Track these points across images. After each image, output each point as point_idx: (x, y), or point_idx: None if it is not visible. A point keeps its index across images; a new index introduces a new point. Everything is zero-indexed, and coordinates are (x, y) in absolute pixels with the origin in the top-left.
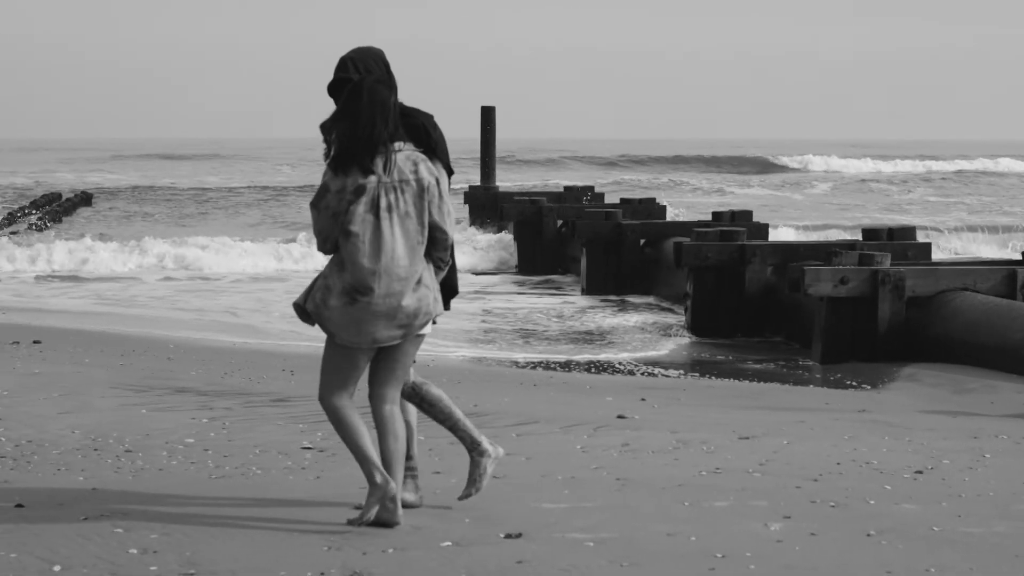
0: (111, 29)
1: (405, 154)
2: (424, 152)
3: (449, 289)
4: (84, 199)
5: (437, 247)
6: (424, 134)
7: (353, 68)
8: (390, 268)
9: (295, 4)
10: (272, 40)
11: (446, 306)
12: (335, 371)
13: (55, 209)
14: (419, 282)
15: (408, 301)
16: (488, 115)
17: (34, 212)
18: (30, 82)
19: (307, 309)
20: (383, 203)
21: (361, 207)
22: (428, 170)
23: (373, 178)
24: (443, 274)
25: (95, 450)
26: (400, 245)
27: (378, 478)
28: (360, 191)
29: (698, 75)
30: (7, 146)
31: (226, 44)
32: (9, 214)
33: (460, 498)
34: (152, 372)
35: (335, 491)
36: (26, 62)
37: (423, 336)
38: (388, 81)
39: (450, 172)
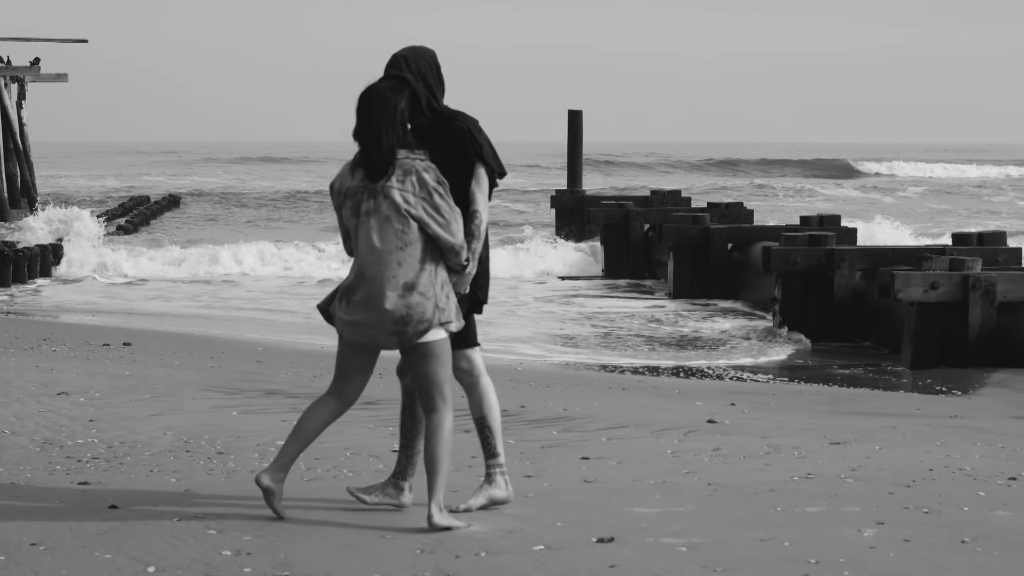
0: (227, 32)
1: (403, 161)
2: (463, 154)
3: (471, 299)
4: (172, 202)
5: (445, 255)
6: (469, 137)
7: (405, 66)
8: (365, 271)
9: (390, 6)
10: (369, 42)
11: (471, 314)
12: (337, 365)
13: (144, 212)
14: (409, 288)
15: (392, 306)
16: (575, 119)
17: (126, 214)
18: (152, 87)
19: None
20: (363, 207)
21: (347, 210)
22: (418, 179)
23: (359, 182)
24: (464, 281)
25: (187, 452)
26: (375, 249)
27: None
28: (349, 194)
29: (758, 77)
30: (106, 148)
31: (318, 47)
32: (99, 217)
33: (351, 490)
34: (242, 374)
35: (422, 495)
36: (147, 65)
37: (430, 345)
38: (399, 88)
39: (500, 174)
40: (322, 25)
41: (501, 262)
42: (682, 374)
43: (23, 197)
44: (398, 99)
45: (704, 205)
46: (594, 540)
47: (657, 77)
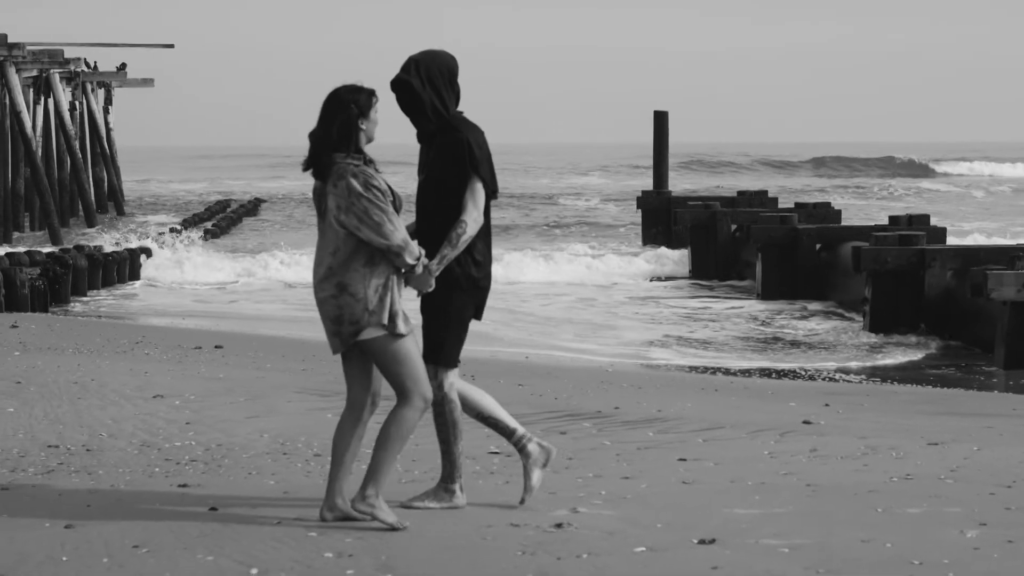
0: (313, 36)
1: (339, 166)
2: (461, 165)
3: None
4: (255, 206)
5: (389, 257)
6: (467, 150)
7: (414, 70)
8: (314, 272)
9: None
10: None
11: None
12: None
13: (230, 216)
14: (342, 289)
15: (328, 308)
16: (661, 120)
17: (212, 218)
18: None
19: None
20: (320, 210)
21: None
22: (346, 185)
23: (320, 184)
24: (421, 281)
25: (284, 454)
26: (318, 251)
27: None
28: (314, 196)
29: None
30: (191, 153)
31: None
32: (184, 221)
33: (404, 503)
34: (335, 377)
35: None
36: (233, 69)
37: (370, 343)
38: (358, 92)
39: (492, 191)
40: (410, 29)
41: (577, 265)
42: (774, 375)
43: (110, 201)
44: (353, 102)
45: (792, 205)
46: (695, 542)
47: (718, 77)
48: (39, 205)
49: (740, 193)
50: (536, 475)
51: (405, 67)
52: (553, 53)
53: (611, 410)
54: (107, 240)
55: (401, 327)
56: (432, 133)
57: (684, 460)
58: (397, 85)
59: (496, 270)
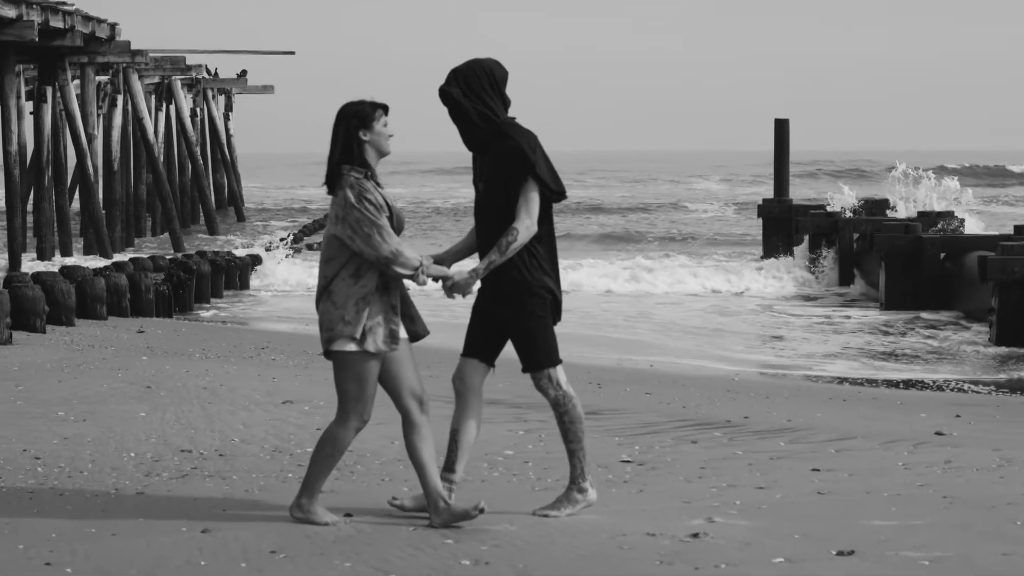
0: (436, 47)
1: (343, 177)
2: (515, 171)
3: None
4: None
5: (382, 268)
6: (521, 155)
7: (454, 80)
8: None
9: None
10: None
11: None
12: None
13: (306, 228)
14: (328, 296)
15: (318, 311)
16: (781, 127)
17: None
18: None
19: None
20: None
21: None
22: (343, 195)
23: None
24: (460, 286)
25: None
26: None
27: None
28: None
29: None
30: (310, 159)
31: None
32: (303, 227)
33: (535, 512)
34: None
35: (658, 504)
36: (353, 76)
37: (336, 355)
38: (354, 108)
39: (556, 194)
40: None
41: (700, 274)
42: (900, 385)
43: (230, 207)
44: (353, 115)
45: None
46: (834, 553)
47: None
48: (161, 210)
49: (863, 201)
50: (422, 504)
51: (447, 78)
52: (666, 59)
53: (740, 419)
54: (227, 245)
55: (370, 344)
56: (485, 141)
57: (818, 470)
58: (441, 96)
59: (616, 278)
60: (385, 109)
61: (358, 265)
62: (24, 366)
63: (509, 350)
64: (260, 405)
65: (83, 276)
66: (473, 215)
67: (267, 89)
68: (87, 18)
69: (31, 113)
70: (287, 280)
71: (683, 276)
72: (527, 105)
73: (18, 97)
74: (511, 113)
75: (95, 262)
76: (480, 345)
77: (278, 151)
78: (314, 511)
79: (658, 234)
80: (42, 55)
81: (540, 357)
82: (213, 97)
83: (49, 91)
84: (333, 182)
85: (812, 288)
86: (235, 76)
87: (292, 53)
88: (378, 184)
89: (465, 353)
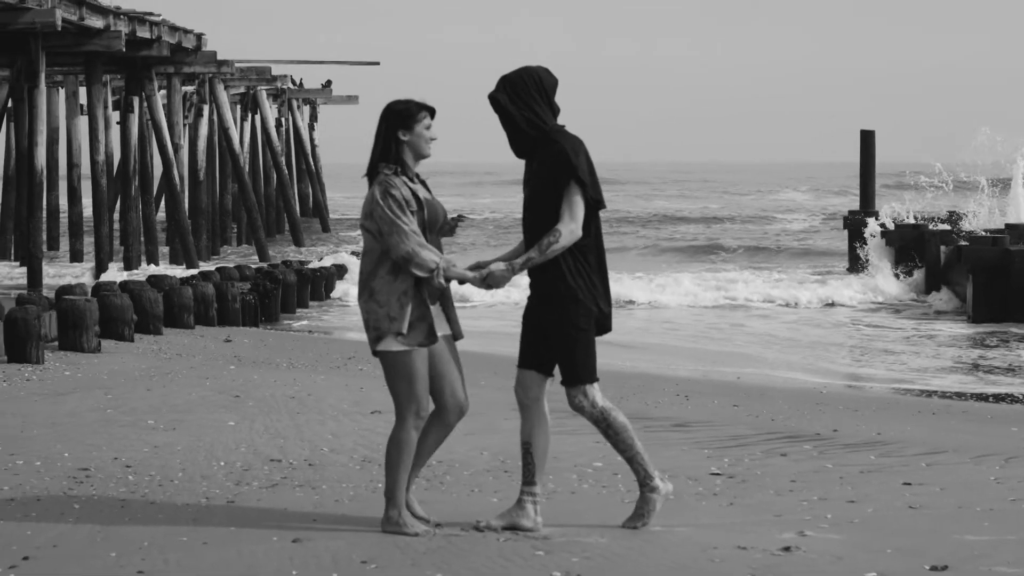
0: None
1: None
2: (559, 174)
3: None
4: (455, 223)
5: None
6: (564, 159)
7: (502, 87)
8: None
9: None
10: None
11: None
12: None
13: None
14: (371, 294)
15: (361, 310)
16: (867, 139)
17: None
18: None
19: None
20: None
21: None
22: (370, 192)
23: None
24: (493, 280)
25: (505, 472)
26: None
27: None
28: None
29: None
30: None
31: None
32: None
33: (624, 525)
34: (548, 394)
35: (749, 517)
36: (442, 89)
37: (385, 356)
38: (396, 107)
39: (595, 201)
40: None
41: (781, 287)
42: (991, 399)
43: (315, 217)
44: (394, 114)
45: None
46: (927, 568)
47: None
48: (246, 220)
49: (951, 213)
50: (509, 521)
51: (496, 85)
52: (750, 71)
53: (830, 432)
54: (312, 255)
55: (413, 339)
56: (532, 148)
57: (909, 484)
58: (490, 103)
59: (703, 290)
60: (431, 112)
61: (395, 261)
62: (113, 374)
63: None
64: (348, 415)
65: (170, 285)
66: (521, 223)
67: (351, 99)
68: (174, 28)
69: (118, 123)
70: None
71: (768, 287)
72: (610, 112)
73: (105, 107)
74: (561, 121)
75: (181, 271)
76: (534, 356)
77: (362, 161)
78: (403, 522)
79: (743, 245)
80: (129, 65)
81: (579, 371)
82: (298, 107)
83: (136, 101)
84: (372, 178)
85: (899, 301)
86: (320, 86)
87: (377, 63)
88: (411, 180)
89: (521, 364)
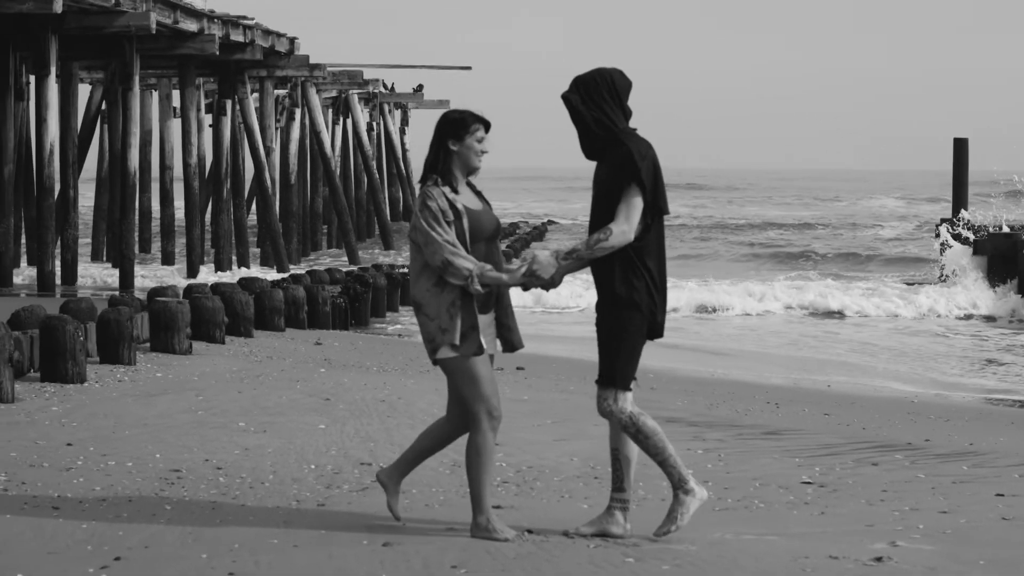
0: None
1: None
2: (622, 175)
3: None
4: (544, 229)
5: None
6: (628, 160)
7: (574, 88)
8: None
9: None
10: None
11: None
12: None
13: (523, 237)
14: (418, 308)
15: (419, 324)
16: (960, 147)
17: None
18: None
19: None
20: None
21: None
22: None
23: None
24: (536, 275)
25: (595, 478)
26: None
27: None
28: None
29: None
30: (489, 175)
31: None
32: None
33: (656, 534)
34: (638, 401)
35: (840, 527)
36: (527, 93)
37: (444, 363)
38: (449, 116)
39: (659, 209)
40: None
41: (873, 295)
42: None
43: (405, 221)
44: (446, 124)
45: None
46: None
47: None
48: (336, 223)
49: None
50: (599, 527)
51: (569, 85)
52: (841, 79)
53: (922, 442)
54: (404, 258)
55: (467, 349)
56: (601, 150)
57: (1002, 495)
58: (563, 102)
59: (793, 297)
60: (486, 125)
61: (438, 274)
62: (204, 376)
63: (673, 363)
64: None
65: (261, 288)
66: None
67: (443, 103)
68: (267, 32)
69: (210, 126)
70: None
71: (860, 296)
72: (711, 119)
73: (198, 110)
74: (632, 124)
75: (271, 274)
76: None
77: None
78: (492, 527)
79: (835, 251)
80: (222, 68)
81: (615, 375)
82: (389, 111)
83: (228, 104)
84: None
85: (993, 310)
86: (411, 90)
87: (468, 68)
88: (454, 190)
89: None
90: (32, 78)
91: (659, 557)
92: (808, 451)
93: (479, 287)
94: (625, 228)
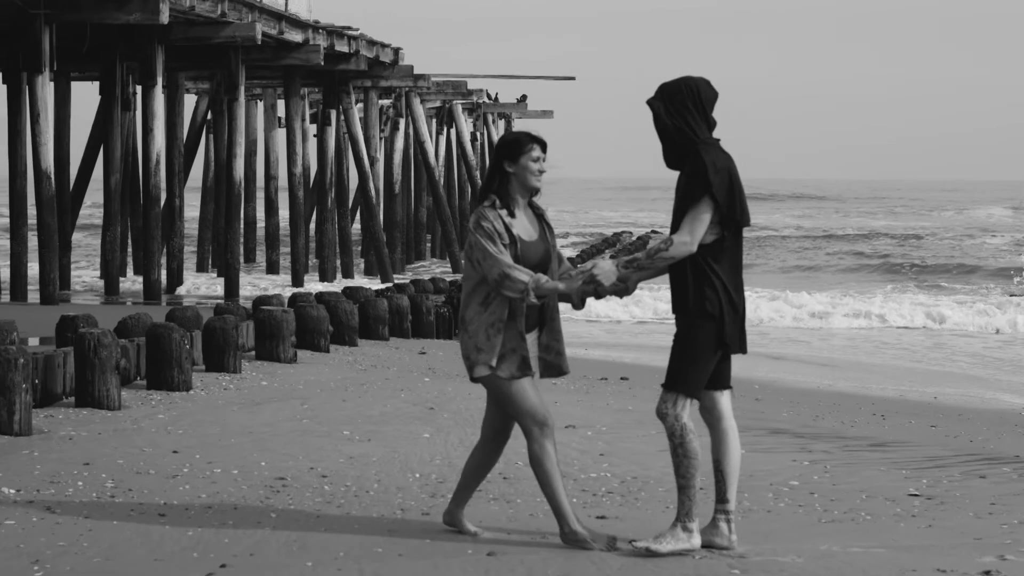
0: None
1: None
2: (696, 186)
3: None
4: (646, 240)
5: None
6: (703, 172)
7: (659, 95)
8: None
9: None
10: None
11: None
12: None
13: (627, 247)
14: (464, 326)
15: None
16: None
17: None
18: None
19: None
20: None
21: None
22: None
23: None
24: (605, 285)
25: (700, 489)
26: None
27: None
28: None
29: None
30: (592, 184)
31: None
32: (581, 252)
33: (631, 542)
34: (743, 412)
35: (948, 540)
36: (631, 102)
37: (484, 381)
38: (505, 138)
39: (737, 221)
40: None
41: (981, 307)
42: None
43: None
44: (502, 145)
45: None
46: None
47: None
48: (440, 233)
49: None
50: (704, 539)
51: (655, 92)
52: (948, 88)
53: None
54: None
55: (503, 371)
56: (682, 159)
57: None
58: (649, 107)
59: (902, 309)
60: (542, 145)
61: (486, 294)
62: (309, 385)
63: (778, 374)
64: None
65: (365, 297)
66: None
67: (547, 114)
68: (371, 43)
69: (315, 136)
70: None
71: (969, 307)
72: (806, 130)
73: (303, 120)
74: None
75: (375, 284)
76: None
77: (556, 175)
78: (579, 535)
79: (940, 262)
80: (327, 79)
81: (678, 378)
82: (493, 121)
83: (333, 114)
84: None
85: None
86: (515, 101)
87: (572, 79)
88: (511, 213)
89: None
90: (139, 88)
91: (765, 569)
92: (915, 463)
93: (535, 299)
94: (687, 240)
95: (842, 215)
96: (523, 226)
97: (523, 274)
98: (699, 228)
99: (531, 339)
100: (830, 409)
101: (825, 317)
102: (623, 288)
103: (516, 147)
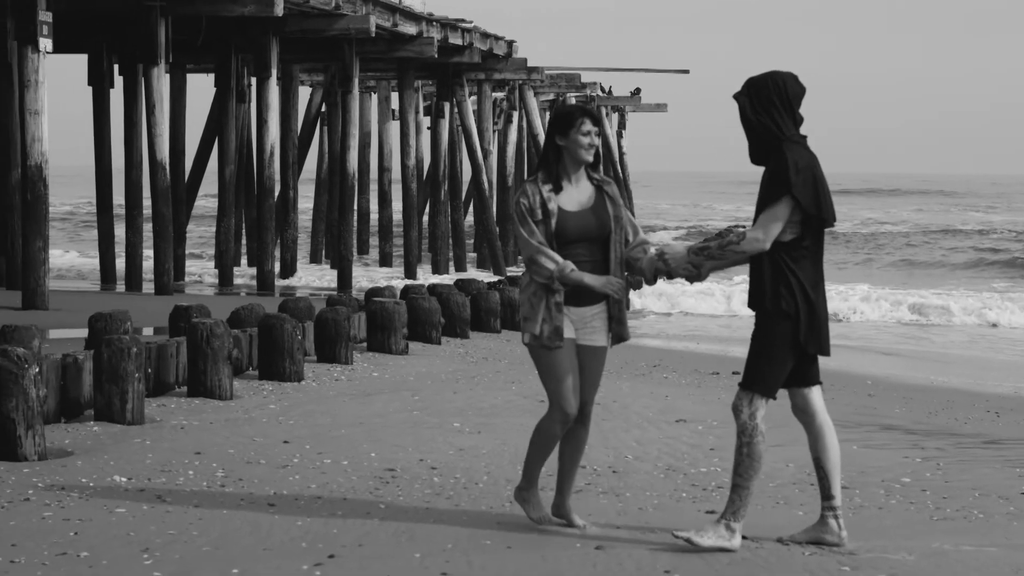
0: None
1: None
2: (774, 183)
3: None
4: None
5: None
6: (783, 169)
7: (745, 90)
8: None
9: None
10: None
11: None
12: None
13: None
14: (520, 294)
15: None
16: None
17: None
18: None
19: None
20: None
21: None
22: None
23: None
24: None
25: (811, 484)
26: None
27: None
28: None
29: None
30: (705, 178)
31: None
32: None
33: (674, 532)
34: (856, 408)
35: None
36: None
37: (527, 348)
38: (562, 114)
39: (822, 220)
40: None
41: None
42: None
43: None
44: (558, 115)
45: None
46: None
47: None
48: None
49: None
50: (813, 536)
51: (742, 87)
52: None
53: None
54: None
55: (547, 341)
56: (767, 155)
57: None
58: (736, 101)
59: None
60: (593, 118)
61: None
62: (420, 376)
63: (891, 370)
64: (653, 423)
65: (478, 289)
66: None
67: (660, 107)
68: (485, 35)
69: (428, 128)
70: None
71: None
72: (910, 125)
73: (416, 112)
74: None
75: (488, 276)
76: (791, 374)
77: (670, 169)
78: (529, 500)
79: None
80: (440, 71)
81: (754, 378)
82: (607, 115)
83: (447, 107)
84: None
85: None
86: (629, 94)
87: (686, 72)
88: (559, 187)
89: (785, 385)
90: (253, 80)
91: (875, 566)
92: None
93: (560, 287)
94: (760, 236)
95: (961, 209)
96: (571, 198)
97: (550, 261)
98: (773, 226)
99: (599, 310)
100: (943, 406)
101: (941, 313)
102: (695, 274)
103: (567, 121)
